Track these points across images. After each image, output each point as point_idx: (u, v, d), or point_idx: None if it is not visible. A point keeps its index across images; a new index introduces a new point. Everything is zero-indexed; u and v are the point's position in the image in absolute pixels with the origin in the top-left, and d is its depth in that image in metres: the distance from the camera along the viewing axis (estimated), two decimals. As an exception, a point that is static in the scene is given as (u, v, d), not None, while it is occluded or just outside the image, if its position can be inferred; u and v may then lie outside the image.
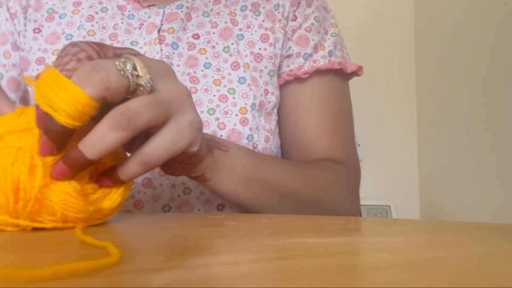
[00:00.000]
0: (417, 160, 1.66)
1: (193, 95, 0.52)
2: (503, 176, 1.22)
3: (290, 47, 0.58)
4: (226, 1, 0.60)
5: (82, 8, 0.58)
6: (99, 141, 0.28)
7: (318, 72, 0.57)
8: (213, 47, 0.56)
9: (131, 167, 0.31)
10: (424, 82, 1.63)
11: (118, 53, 0.31)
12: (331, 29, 0.60)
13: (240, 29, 0.58)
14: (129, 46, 0.55)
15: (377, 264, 0.19)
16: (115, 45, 0.55)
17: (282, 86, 0.58)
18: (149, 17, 0.57)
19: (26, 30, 0.58)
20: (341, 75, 0.59)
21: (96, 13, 0.58)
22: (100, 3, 0.59)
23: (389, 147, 1.62)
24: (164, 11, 0.57)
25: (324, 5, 0.63)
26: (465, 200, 1.39)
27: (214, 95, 0.53)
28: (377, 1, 1.66)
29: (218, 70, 0.55)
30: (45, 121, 0.28)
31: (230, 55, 0.56)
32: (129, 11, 0.58)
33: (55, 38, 0.57)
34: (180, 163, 0.36)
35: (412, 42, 1.68)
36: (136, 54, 0.32)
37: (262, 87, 0.56)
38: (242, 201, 0.44)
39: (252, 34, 0.57)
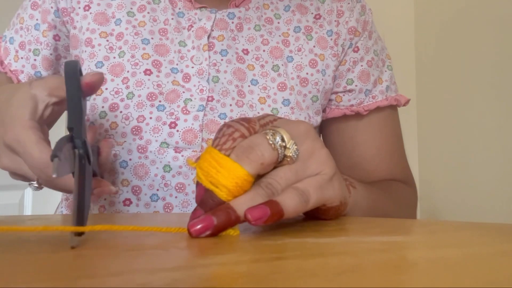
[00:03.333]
0: (417, 160, 1.66)
1: (239, 109, 0.53)
2: (503, 176, 1.22)
3: (353, 81, 0.59)
4: (278, 22, 0.59)
5: None
6: (247, 204, 0.28)
7: (378, 107, 0.61)
8: (262, 66, 0.56)
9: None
10: (424, 82, 1.63)
11: (263, 124, 0.33)
12: (387, 61, 0.64)
13: (291, 51, 0.58)
14: (178, 46, 0.55)
15: (377, 264, 0.19)
16: (163, 40, 0.55)
17: (340, 117, 0.61)
18: (199, 19, 0.56)
19: (79, 8, 0.57)
20: (394, 106, 0.63)
21: (148, 3, 0.57)
22: None
23: (389, 147, 1.62)
24: (215, 16, 0.56)
25: (379, 35, 0.64)
26: (465, 200, 1.39)
27: (259, 112, 0.53)
28: (377, 1, 1.66)
29: (265, 88, 0.55)
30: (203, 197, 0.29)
31: (279, 75, 0.56)
32: (179, 8, 0.57)
33: (104, 19, 0.56)
34: (330, 217, 0.36)
35: (412, 42, 1.68)
36: (276, 119, 0.34)
37: (304, 111, 0.56)
38: None
39: (301, 58, 0.57)
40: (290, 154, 0.31)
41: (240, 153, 0.29)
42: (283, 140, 0.31)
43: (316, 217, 0.36)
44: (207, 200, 0.29)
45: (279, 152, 0.30)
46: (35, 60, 0.59)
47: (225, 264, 0.19)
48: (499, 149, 1.24)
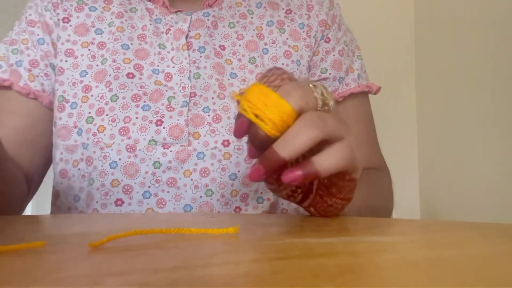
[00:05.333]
0: (417, 160, 1.66)
1: (221, 101, 0.54)
2: (503, 176, 1.22)
3: (326, 70, 0.62)
4: (252, 17, 0.62)
5: (113, 6, 0.60)
6: (295, 138, 0.30)
7: (351, 94, 0.63)
8: (239, 59, 0.58)
9: (297, 171, 0.32)
10: (424, 82, 1.63)
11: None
12: (357, 52, 0.66)
13: (266, 44, 0.60)
14: (157, 48, 0.57)
15: (377, 264, 0.19)
16: (143, 45, 0.57)
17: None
18: (176, 22, 0.58)
19: (58, 20, 0.59)
20: (366, 93, 0.66)
21: (126, 11, 0.59)
22: (130, 3, 0.60)
23: (389, 148, 1.62)
24: (191, 18, 0.59)
25: (348, 27, 0.68)
26: (465, 200, 1.39)
27: None
28: (377, 1, 1.67)
29: (244, 80, 0.57)
30: (245, 131, 0.32)
31: (256, 66, 0.58)
32: (156, 15, 0.59)
33: (84, 30, 0.58)
34: (340, 199, 0.37)
35: (412, 42, 1.68)
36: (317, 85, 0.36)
37: None
38: None
39: (276, 50, 0.60)
40: (329, 103, 0.33)
41: (287, 89, 0.31)
42: (322, 94, 0.33)
43: (320, 214, 0.37)
44: (254, 135, 0.31)
45: (319, 100, 0.33)
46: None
47: (225, 264, 0.19)
48: (499, 149, 1.24)
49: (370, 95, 0.67)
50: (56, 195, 0.56)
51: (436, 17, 1.56)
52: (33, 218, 0.43)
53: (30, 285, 0.15)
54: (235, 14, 0.62)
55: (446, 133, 1.48)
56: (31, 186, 0.58)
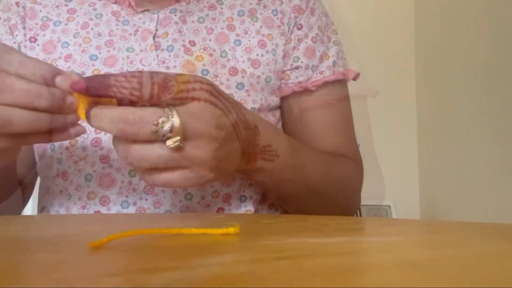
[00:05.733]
0: (417, 160, 1.66)
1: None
2: (503, 176, 1.22)
3: (299, 58, 0.59)
4: (221, 8, 0.60)
5: (77, 16, 0.58)
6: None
7: (325, 82, 0.60)
8: (211, 54, 0.56)
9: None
10: (424, 82, 1.63)
11: (183, 89, 0.34)
12: (333, 37, 0.63)
13: (237, 35, 0.58)
14: (126, 52, 0.55)
15: (377, 264, 0.19)
16: (111, 52, 0.55)
17: (290, 95, 0.60)
18: (143, 23, 0.57)
19: (26, 40, 0.58)
20: (343, 81, 0.62)
21: (91, 19, 0.58)
22: (94, 9, 0.59)
23: (389, 147, 1.62)
24: (158, 16, 0.57)
25: (324, 11, 0.64)
26: (465, 200, 1.39)
27: None
28: (377, 1, 1.67)
29: (216, 76, 0.55)
30: None
31: (228, 60, 0.56)
32: (123, 17, 0.58)
33: (52, 47, 0.57)
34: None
35: (412, 42, 1.68)
36: (200, 98, 0.35)
37: (260, 92, 0.56)
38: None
39: (249, 40, 0.58)
40: (169, 145, 0.33)
41: (100, 117, 0.33)
42: (171, 131, 0.32)
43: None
44: None
45: (159, 136, 0.32)
46: None
47: (225, 264, 0.19)
48: (499, 149, 1.24)
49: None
50: (41, 210, 0.56)
51: (436, 17, 1.56)
52: (33, 218, 0.43)
53: (30, 285, 0.15)
54: (204, 6, 0.59)
55: (446, 133, 1.48)
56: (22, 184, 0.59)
